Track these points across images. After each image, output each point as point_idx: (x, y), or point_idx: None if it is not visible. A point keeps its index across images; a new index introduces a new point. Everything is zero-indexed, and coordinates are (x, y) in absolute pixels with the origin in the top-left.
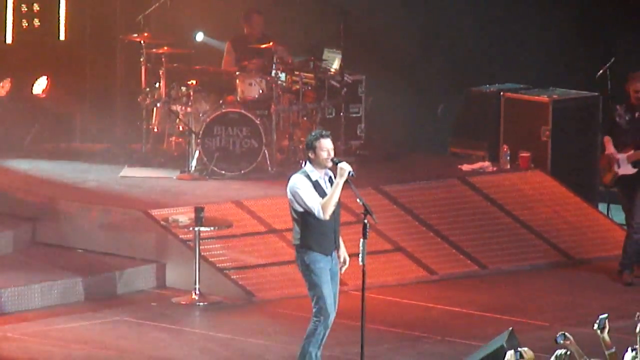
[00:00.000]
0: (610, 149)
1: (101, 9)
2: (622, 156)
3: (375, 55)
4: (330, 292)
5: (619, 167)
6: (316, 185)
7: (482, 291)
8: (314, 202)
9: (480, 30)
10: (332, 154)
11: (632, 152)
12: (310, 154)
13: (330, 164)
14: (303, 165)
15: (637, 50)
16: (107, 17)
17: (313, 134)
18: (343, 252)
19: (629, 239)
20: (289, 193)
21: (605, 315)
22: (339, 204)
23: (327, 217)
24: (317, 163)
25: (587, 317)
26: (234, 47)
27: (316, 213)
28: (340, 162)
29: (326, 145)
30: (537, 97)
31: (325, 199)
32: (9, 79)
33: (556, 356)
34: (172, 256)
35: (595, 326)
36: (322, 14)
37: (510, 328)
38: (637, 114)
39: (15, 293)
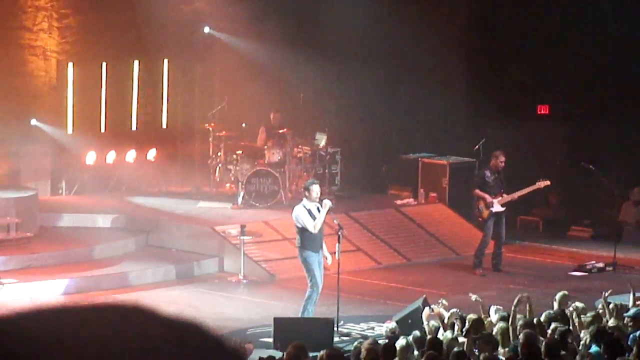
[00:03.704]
0: (485, 196)
1: (185, 109)
2: (495, 200)
3: (346, 137)
4: (319, 273)
5: (492, 207)
6: (310, 212)
7: (409, 274)
8: (308, 223)
9: (413, 121)
10: (319, 194)
11: (501, 197)
12: (306, 193)
13: (317, 200)
14: (303, 200)
15: (501, 135)
16: (189, 114)
17: (308, 182)
18: (326, 253)
19: (483, 244)
20: (293, 216)
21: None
22: (323, 223)
23: (316, 231)
24: (310, 199)
25: (468, 289)
26: (265, 130)
27: (310, 229)
28: (324, 199)
29: (316, 189)
30: (440, 161)
31: (316, 220)
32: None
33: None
34: (227, 253)
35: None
36: (315, 112)
37: (424, 295)
38: (497, 175)
39: (136, 274)
